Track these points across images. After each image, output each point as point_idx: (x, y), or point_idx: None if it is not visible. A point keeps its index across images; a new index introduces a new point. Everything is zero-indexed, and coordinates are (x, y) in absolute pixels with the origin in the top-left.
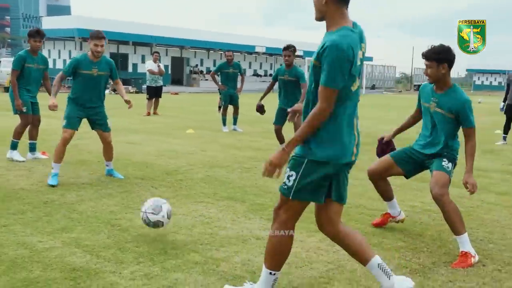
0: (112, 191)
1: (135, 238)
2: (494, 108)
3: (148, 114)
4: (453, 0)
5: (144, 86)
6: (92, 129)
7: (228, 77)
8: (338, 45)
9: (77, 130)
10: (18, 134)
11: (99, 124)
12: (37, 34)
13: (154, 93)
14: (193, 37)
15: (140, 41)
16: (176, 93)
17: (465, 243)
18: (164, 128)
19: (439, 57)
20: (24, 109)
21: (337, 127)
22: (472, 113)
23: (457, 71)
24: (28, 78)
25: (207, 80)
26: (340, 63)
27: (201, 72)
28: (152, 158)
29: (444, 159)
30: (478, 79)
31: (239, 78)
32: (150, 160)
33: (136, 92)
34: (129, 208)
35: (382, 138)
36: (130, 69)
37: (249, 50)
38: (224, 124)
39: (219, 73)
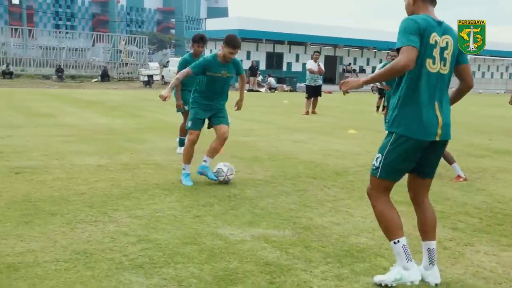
0: (288, 189)
1: (319, 237)
2: None
3: (307, 113)
4: None
5: (301, 85)
6: (211, 125)
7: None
8: (409, 17)
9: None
10: (183, 130)
11: (221, 117)
12: (201, 40)
13: (313, 92)
14: (346, 36)
15: (295, 40)
16: (330, 92)
17: None
18: (325, 128)
19: None
20: (186, 108)
21: (415, 107)
22: None
23: None
24: (190, 79)
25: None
26: (409, 25)
27: (354, 70)
28: (320, 158)
29: None
30: None
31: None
32: (317, 159)
33: (291, 91)
34: (307, 207)
35: None
36: (284, 67)
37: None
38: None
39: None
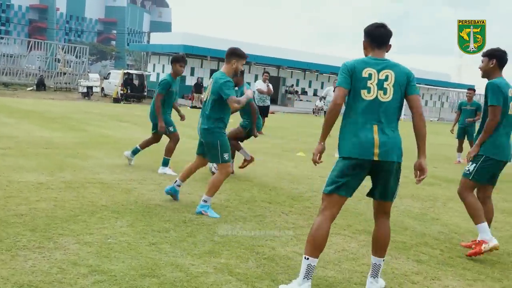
0: (245, 214)
1: (284, 269)
2: None
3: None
4: None
5: None
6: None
7: None
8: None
9: None
10: (170, 151)
11: None
12: (183, 59)
13: (261, 112)
14: (290, 57)
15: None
16: (273, 112)
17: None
18: (274, 149)
19: None
20: (171, 129)
21: (351, 129)
22: None
23: None
24: (169, 101)
25: (301, 100)
26: (341, 68)
27: (296, 92)
28: (273, 181)
29: None
30: None
31: None
32: (271, 183)
33: None
34: (268, 235)
35: None
36: None
37: None
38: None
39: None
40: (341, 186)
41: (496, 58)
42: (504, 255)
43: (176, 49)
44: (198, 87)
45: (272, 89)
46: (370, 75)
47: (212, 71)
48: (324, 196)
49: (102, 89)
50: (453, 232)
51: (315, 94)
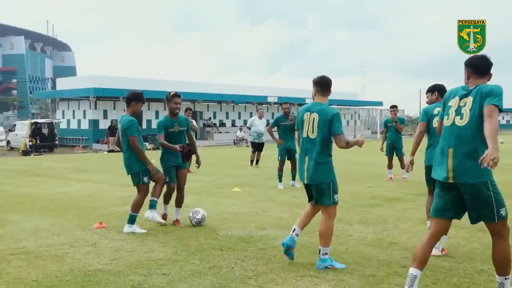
0: (198, 267)
1: None
2: None
3: (188, 170)
4: (455, 43)
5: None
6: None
7: (286, 130)
8: None
9: None
10: (138, 206)
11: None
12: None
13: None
14: (204, 91)
15: (153, 97)
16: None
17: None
18: (208, 187)
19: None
20: (146, 180)
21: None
22: None
23: None
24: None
25: (220, 132)
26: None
27: (214, 124)
28: (217, 223)
29: None
30: None
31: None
32: (216, 225)
33: (154, 149)
34: None
35: None
36: (144, 125)
37: (261, 101)
38: (280, 180)
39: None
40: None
41: (438, 90)
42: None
43: (86, 93)
44: (113, 130)
45: (196, 125)
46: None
47: None
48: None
49: (8, 142)
50: None
51: (233, 125)
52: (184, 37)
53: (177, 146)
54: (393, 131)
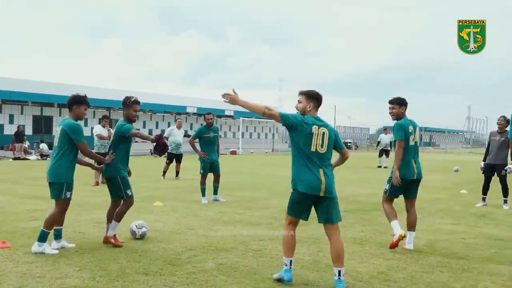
0: None
1: None
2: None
3: (97, 184)
4: (365, 63)
5: None
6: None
7: (209, 142)
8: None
9: None
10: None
11: None
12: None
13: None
14: (121, 98)
15: (65, 103)
16: None
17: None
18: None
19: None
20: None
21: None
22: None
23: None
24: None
25: (136, 142)
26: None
27: None
28: (140, 243)
29: None
30: None
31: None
32: (138, 245)
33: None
34: None
35: None
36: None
37: (180, 111)
38: (204, 194)
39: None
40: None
41: (405, 105)
42: None
43: None
44: (20, 136)
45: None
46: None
47: (35, 117)
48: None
49: None
50: (358, 280)
51: (149, 134)
52: (99, 43)
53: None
54: None
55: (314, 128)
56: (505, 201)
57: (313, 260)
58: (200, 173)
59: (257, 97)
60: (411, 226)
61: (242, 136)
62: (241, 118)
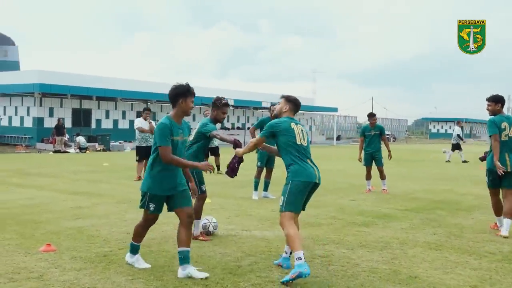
0: None
1: None
2: None
3: (139, 178)
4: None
5: (115, 143)
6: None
7: None
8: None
9: None
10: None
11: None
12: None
13: (145, 154)
14: (159, 91)
15: (104, 96)
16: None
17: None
18: None
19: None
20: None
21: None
22: None
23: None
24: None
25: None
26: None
27: None
28: (193, 246)
29: None
30: (434, 127)
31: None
32: (192, 250)
33: (104, 150)
34: None
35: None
36: (93, 125)
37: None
38: (256, 189)
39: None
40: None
41: (501, 102)
42: None
43: (31, 89)
44: (60, 129)
45: (155, 126)
46: (293, 129)
47: (74, 111)
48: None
49: None
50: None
51: None
52: (130, 36)
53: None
54: (371, 140)
55: (293, 125)
56: None
57: (391, 270)
58: (257, 165)
59: (290, 89)
60: (506, 213)
61: None
62: None
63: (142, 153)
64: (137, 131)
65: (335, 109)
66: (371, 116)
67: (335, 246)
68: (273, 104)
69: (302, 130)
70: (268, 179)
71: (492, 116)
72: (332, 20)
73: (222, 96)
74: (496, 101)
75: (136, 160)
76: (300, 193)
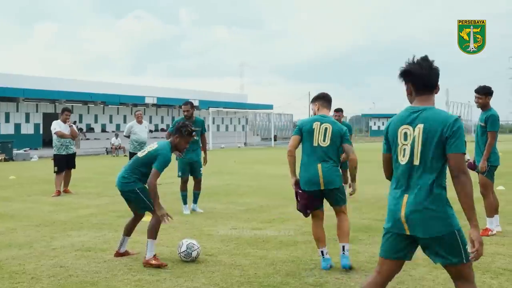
0: None
1: None
2: None
3: (58, 193)
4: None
5: (19, 152)
6: None
7: None
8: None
9: None
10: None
11: None
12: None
13: (66, 163)
14: (68, 89)
15: (3, 95)
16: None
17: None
18: (104, 216)
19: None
20: None
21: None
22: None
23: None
24: None
25: (88, 139)
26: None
27: (81, 130)
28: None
29: None
30: (374, 124)
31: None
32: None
33: (6, 160)
34: None
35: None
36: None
37: (137, 102)
38: (185, 202)
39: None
40: None
41: (491, 94)
42: None
43: None
44: None
45: (76, 131)
46: (314, 128)
47: None
48: None
49: None
50: None
51: (104, 130)
52: (30, 28)
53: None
54: None
55: (316, 125)
56: None
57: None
58: (178, 176)
59: (217, 85)
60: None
61: (218, 129)
62: (210, 109)
63: (62, 163)
64: (55, 136)
65: (270, 106)
66: (338, 111)
67: (325, 271)
68: (185, 103)
69: (326, 129)
70: (196, 190)
71: (495, 111)
72: (261, 9)
73: (189, 123)
74: (487, 93)
75: (55, 172)
76: None
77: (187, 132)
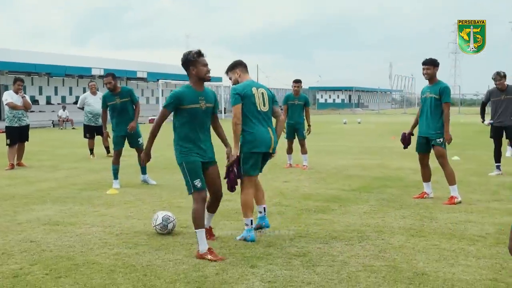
0: None
1: None
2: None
3: (12, 166)
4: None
5: None
6: None
7: (115, 110)
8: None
9: None
10: None
11: None
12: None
13: (18, 136)
14: (8, 59)
15: None
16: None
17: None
18: (65, 190)
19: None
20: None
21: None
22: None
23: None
24: None
25: (32, 111)
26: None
27: (37, 102)
28: (124, 254)
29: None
30: (321, 97)
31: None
32: (118, 263)
33: None
34: None
35: (405, 133)
36: None
37: (84, 73)
38: (116, 177)
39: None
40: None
41: (437, 66)
42: None
43: None
44: None
45: (29, 101)
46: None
47: None
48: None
49: None
50: None
51: (49, 103)
52: None
53: None
54: (295, 109)
55: (254, 90)
56: None
57: (390, 267)
58: (113, 149)
59: (162, 56)
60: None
61: (157, 102)
62: (159, 81)
63: (15, 135)
64: (6, 108)
65: (220, 79)
66: (296, 82)
67: (304, 241)
68: (106, 74)
69: (262, 94)
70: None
71: (446, 83)
72: None
73: (188, 52)
74: (434, 64)
75: (7, 144)
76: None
77: (193, 56)
